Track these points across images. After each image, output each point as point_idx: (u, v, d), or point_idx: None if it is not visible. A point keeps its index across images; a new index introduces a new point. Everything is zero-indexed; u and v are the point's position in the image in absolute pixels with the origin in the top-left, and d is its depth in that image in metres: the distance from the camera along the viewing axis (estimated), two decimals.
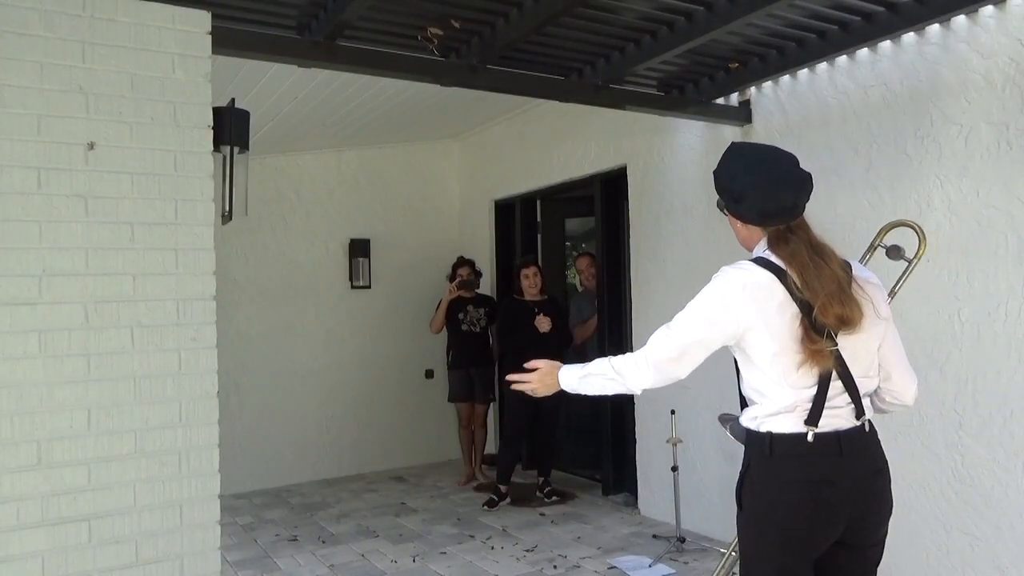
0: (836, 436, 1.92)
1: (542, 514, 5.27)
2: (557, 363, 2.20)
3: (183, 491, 2.66)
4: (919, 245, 2.50)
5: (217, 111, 2.85)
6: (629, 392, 2.05)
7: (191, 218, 2.72)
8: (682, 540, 4.46)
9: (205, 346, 2.72)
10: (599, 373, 2.08)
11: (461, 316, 6.11)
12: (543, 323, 5.45)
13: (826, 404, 1.91)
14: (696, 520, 4.67)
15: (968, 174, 3.37)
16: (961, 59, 3.39)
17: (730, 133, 4.47)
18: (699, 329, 1.95)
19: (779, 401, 1.92)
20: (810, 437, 1.90)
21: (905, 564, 3.54)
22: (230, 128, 2.99)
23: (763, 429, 1.94)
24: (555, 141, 5.95)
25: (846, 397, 1.94)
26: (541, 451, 5.76)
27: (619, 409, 5.49)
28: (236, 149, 3.07)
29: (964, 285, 3.39)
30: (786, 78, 4.14)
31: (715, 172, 2.07)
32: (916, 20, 3.38)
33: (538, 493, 5.58)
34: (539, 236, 6.62)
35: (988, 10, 3.27)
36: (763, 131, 4.29)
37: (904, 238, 2.52)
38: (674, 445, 4.47)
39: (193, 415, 2.69)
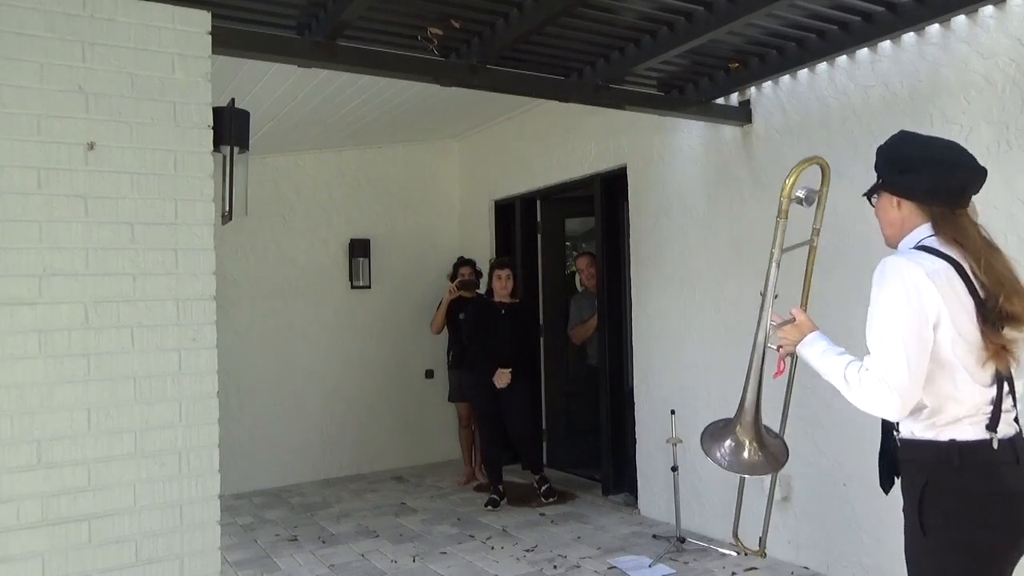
0: (1011, 442, 1.77)
1: (542, 514, 5.27)
2: (813, 328, 1.97)
3: (183, 491, 2.66)
4: (823, 176, 2.43)
5: (217, 111, 2.85)
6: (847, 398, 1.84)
7: (191, 218, 2.72)
8: (682, 540, 4.46)
9: (205, 346, 2.73)
10: (832, 372, 1.86)
11: (462, 316, 6.11)
12: (502, 378, 5.39)
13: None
14: (696, 520, 4.67)
15: None
16: (961, 59, 3.39)
17: (730, 133, 4.47)
18: (914, 333, 1.72)
19: (968, 403, 1.74)
20: (995, 444, 1.73)
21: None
22: (230, 128, 2.99)
23: (944, 438, 1.76)
24: (555, 141, 5.95)
25: (1010, 400, 1.80)
26: (522, 452, 5.76)
27: (619, 409, 5.49)
28: (236, 149, 3.07)
29: None
30: (786, 78, 4.14)
31: (881, 147, 1.96)
32: (916, 20, 3.38)
33: (537, 493, 5.58)
34: (539, 236, 6.62)
35: (988, 10, 3.27)
36: (763, 131, 4.29)
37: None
38: (674, 445, 4.48)
39: (193, 415, 2.69)
